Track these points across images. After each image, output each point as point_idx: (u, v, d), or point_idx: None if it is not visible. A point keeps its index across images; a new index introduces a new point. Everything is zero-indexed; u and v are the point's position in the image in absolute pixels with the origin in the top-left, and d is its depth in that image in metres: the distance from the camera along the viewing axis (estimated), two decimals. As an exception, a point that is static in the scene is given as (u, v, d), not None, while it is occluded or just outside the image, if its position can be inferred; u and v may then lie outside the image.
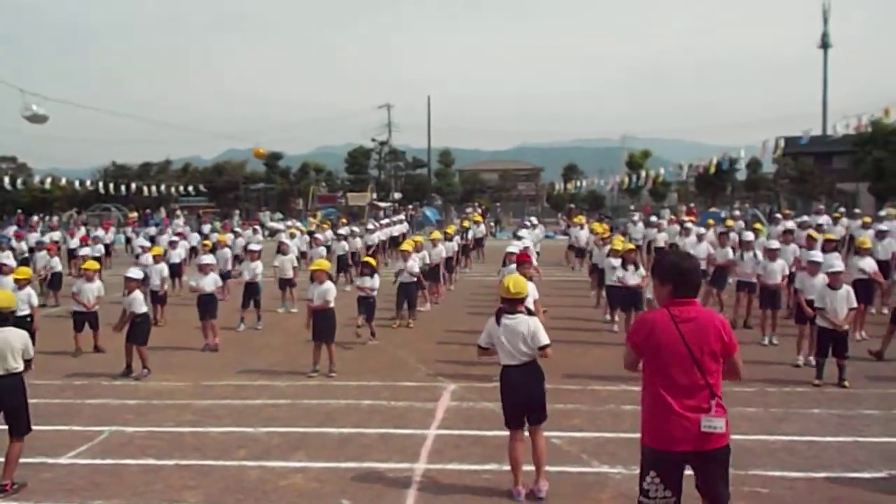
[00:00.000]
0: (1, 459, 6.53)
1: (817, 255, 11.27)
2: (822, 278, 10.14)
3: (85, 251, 18.07)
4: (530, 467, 6.27)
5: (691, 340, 4.04)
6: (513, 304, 6.15)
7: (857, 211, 25.18)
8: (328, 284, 10.85)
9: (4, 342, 6.51)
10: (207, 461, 7.22)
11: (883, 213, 22.84)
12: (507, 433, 6.27)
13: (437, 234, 17.18)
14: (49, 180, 49.84)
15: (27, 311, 11.17)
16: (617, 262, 12.94)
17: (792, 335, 11.12)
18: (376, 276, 12.78)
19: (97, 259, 17.90)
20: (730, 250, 14.46)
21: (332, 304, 10.71)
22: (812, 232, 14.98)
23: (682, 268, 4.22)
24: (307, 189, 60.84)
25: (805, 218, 22.52)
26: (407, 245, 14.95)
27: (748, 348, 11.67)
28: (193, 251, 23.62)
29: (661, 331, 4.09)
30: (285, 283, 16.33)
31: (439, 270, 16.59)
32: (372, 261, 13.16)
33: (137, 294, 10.88)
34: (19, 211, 49.14)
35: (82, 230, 28.24)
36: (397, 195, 63.39)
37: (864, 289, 12.49)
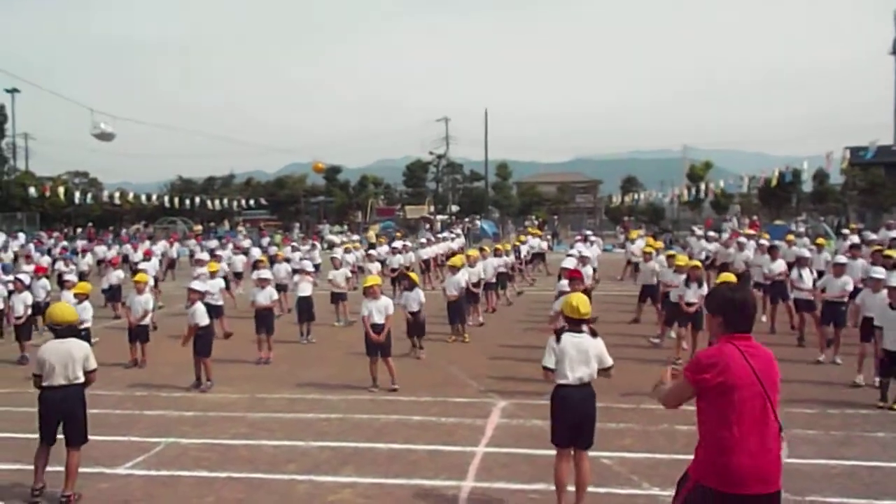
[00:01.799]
0: (59, 468, 6.72)
1: (881, 271, 10.89)
2: (883, 296, 9.78)
3: (144, 265, 18.57)
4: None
5: (763, 376, 3.87)
6: (579, 323, 6.13)
7: None
8: (385, 300, 10.91)
9: (66, 354, 6.72)
10: (258, 474, 7.33)
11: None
12: (555, 452, 6.22)
13: (473, 252, 16.95)
14: (118, 194, 51.50)
15: (86, 325, 11.54)
16: (681, 278, 12.68)
17: (854, 353, 10.72)
18: (417, 289, 12.65)
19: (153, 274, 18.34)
20: (781, 263, 14.31)
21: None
22: (880, 247, 14.50)
23: (733, 301, 4.03)
24: (366, 202, 61.54)
25: (872, 236, 21.61)
26: (455, 260, 14.91)
27: (809, 368, 11.34)
28: (255, 265, 24.05)
29: (735, 367, 3.86)
30: (337, 297, 16.51)
31: (478, 290, 16.13)
32: (414, 276, 13.06)
33: (199, 306, 11.15)
34: (90, 224, 50.93)
35: (146, 244, 29.08)
36: (455, 208, 63.60)
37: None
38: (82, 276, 18.41)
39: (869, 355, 10.20)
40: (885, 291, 9.83)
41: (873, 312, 9.97)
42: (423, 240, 25.20)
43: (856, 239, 18.97)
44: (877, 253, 13.30)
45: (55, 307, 7.29)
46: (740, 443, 3.80)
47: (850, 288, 11.88)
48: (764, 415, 3.85)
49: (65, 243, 30.74)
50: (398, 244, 22.02)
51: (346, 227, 50.55)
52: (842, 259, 12.62)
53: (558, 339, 6.09)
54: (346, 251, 21.30)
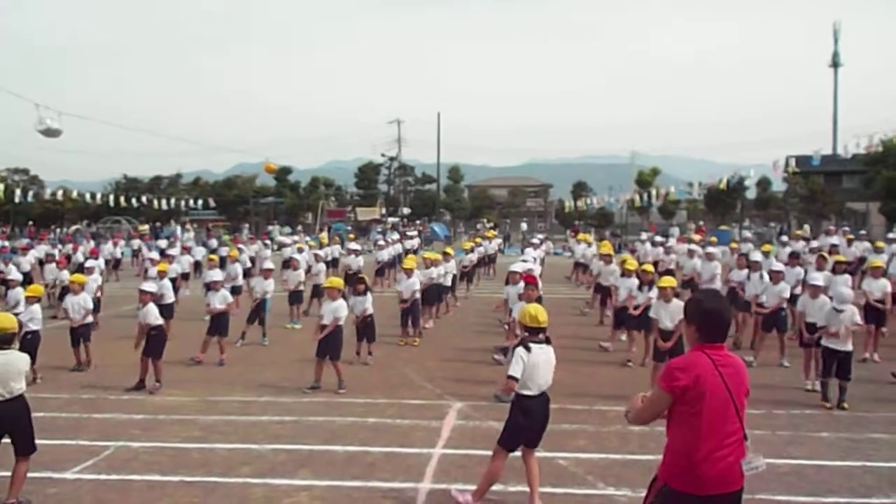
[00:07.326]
0: (5, 473, 6.52)
1: (818, 277, 11.26)
2: (824, 301, 10.11)
3: (90, 264, 18.06)
4: (523, 487, 6.25)
5: (732, 386, 3.97)
6: (538, 332, 6.18)
7: (862, 232, 25.07)
8: (339, 302, 10.86)
9: (9, 365, 6.36)
10: (212, 478, 7.20)
11: (893, 234, 22.66)
12: (512, 454, 6.28)
13: (430, 255, 16.96)
14: (60, 192, 50.10)
15: (35, 328, 11.11)
16: (632, 282, 12.88)
17: (799, 355, 11.04)
18: (369, 294, 12.57)
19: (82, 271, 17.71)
20: (747, 271, 14.36)
21: (341, 322, 10.73)
22: (823, 254, 14.92)
23: (706, 309, 4.09)
24: (316, 203, 61.06)
25: (815, 243, 22.05)
26: (409, 263, 14.88)
27: (756, 371, 11.61)
28: (198, 265, 23.72)
29: (706, 376, 3.94)
30: (294, 299, 16.34)
31: (434, 292, 16.16)
32: (365, 279, 13.06)
33: (151, 307, 10.94)
34: (31, 223, 49.49)
35: (90, 243, 28.40)
36: (406, 210, 63.54)
37: (875, 311, 12.46)
38: (25, 276, 17.86)
39: (813, 359, 10.50)
40: (823, 297, 10.15)
41: (815, 317, 10.27)
42: (381, 241, 24.96)
43: (798, 247, 19.49)
44: (821, 259, 13.69)
45: None
46: (705, 449, 3.89)
47: (787, 294, 12.24)
48: (730, 422, 3.95)
49: (4, 243, 29.79)
50: (356, 246, 21.82)
51: (288, 229, 49.86)
52: (778, 266, 12.94)
53: (529, 350, 6.07)
54: (299, 251, 21.06)
